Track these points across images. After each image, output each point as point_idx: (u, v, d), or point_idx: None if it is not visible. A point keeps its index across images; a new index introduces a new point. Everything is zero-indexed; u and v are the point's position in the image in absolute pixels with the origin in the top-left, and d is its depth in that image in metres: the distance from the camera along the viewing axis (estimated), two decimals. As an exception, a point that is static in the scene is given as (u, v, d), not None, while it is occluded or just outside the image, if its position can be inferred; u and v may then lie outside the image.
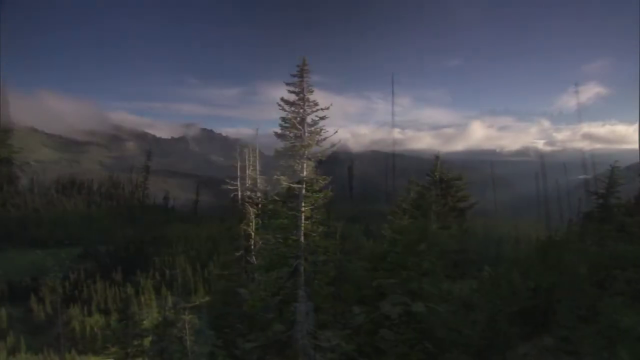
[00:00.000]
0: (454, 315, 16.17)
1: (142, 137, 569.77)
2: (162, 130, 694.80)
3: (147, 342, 28.72)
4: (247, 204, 19.08)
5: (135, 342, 27.11)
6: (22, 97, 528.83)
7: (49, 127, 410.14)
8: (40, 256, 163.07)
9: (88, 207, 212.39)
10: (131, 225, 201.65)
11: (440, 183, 21.70)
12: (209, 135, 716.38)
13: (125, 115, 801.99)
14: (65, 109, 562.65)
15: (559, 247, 23.88)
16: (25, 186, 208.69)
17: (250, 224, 18.73)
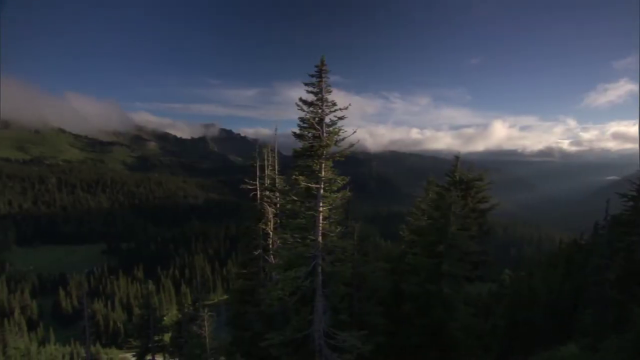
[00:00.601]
0: (473, 318, 15.89)
1: (163, 137, 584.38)
2: (183, 131, 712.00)
3: (167, 337, 29.43)
4: (265, 203, 19.23)
5: (156, 337, 27.75)
6: (51, 100, 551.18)
7: (76, 128, 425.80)
8: (68, 252, 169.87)
9: (111, 206, 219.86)
10: (152, 223, 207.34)
11: (460, 184, 21.29)
12: (228, 136, 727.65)
13: (147, 116, 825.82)
14: (91, 111, 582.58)
15: (585, 251, 23.01)
16: (54, 185, 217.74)
17: (269, 223, 18.88)
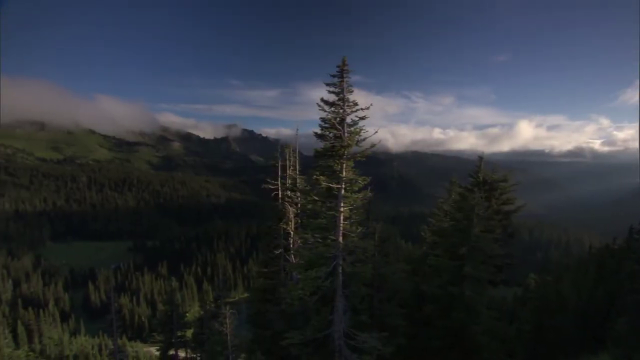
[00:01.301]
0: (496, 322, 15.48)
1: (187, 137, 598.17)
2: (206, 131, 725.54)
3: (189, 333, 30.15)
4: (286, 203, 19.38)
5: (179, 333, 28.47)
6: (83, 103, 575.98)
7: (105, 129, 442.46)
8: (97, 248, 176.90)
9: (137, 204, 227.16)
10: (176, 222, 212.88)
11: (484, 185, 20.77)
12: (250, 136, 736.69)
13: (171, 117, 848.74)
14: (119, 112, 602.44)
15: (618, 256, 21.97)
16: (85, 183, 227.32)
17: (290, 223, 19.02)
